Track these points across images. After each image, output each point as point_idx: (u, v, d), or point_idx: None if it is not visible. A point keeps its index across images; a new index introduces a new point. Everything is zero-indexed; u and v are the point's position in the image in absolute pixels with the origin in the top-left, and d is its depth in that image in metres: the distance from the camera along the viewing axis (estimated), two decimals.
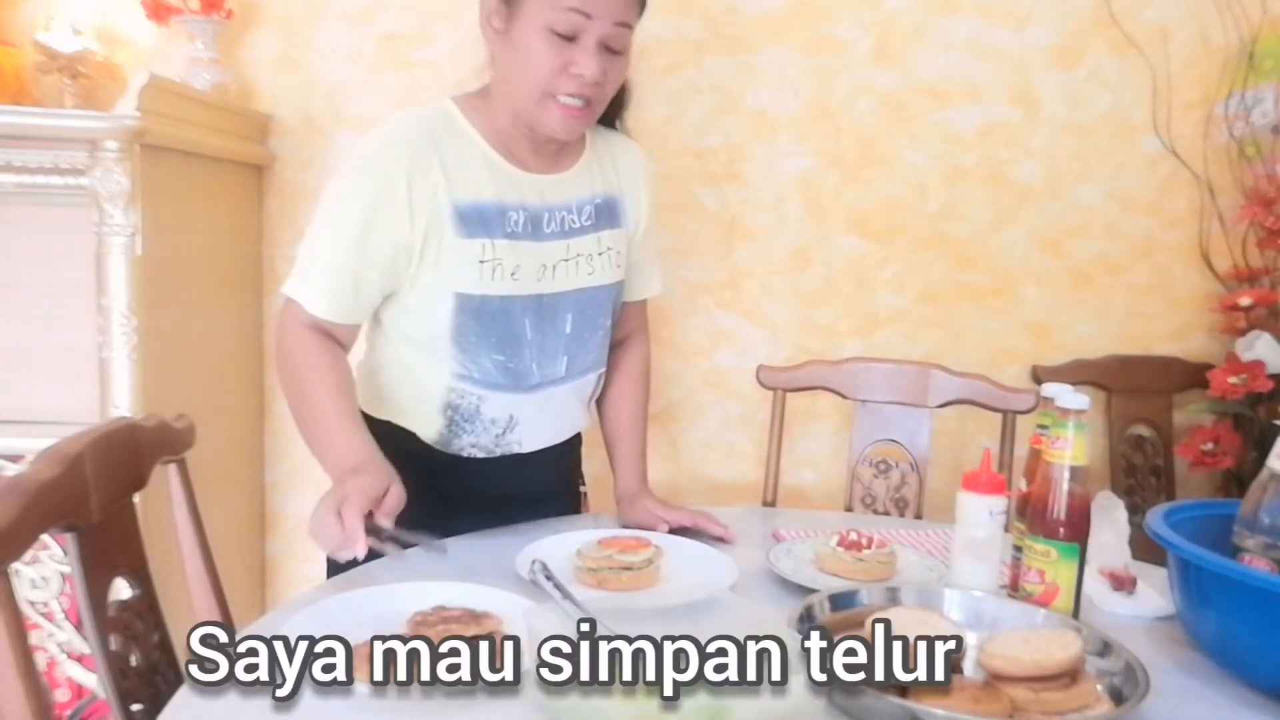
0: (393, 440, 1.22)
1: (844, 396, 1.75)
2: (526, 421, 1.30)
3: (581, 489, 1.54)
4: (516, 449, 1.31)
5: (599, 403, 1.45)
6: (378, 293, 1.22)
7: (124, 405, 1.57)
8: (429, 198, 1.17)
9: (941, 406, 1.72)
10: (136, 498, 1.07)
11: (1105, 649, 0.91)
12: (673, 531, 1.30)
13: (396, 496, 1.06)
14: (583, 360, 1.32)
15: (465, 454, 1.30)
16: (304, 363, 1.18)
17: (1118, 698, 0.86)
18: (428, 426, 1.28)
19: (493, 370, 1.25)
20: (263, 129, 2.06)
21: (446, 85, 2.06)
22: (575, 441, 1.45)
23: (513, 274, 1.22)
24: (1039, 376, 2.11)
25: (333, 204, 1.19)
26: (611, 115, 1.35)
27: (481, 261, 1.20)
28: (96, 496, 0.95)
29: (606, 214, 1.32)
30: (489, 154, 1.22)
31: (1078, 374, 2.10)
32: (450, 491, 1.26)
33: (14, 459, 1.56)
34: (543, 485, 1.39)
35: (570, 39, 1.12)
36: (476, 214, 1.19)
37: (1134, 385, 2.14)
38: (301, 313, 1.19)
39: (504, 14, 1.16)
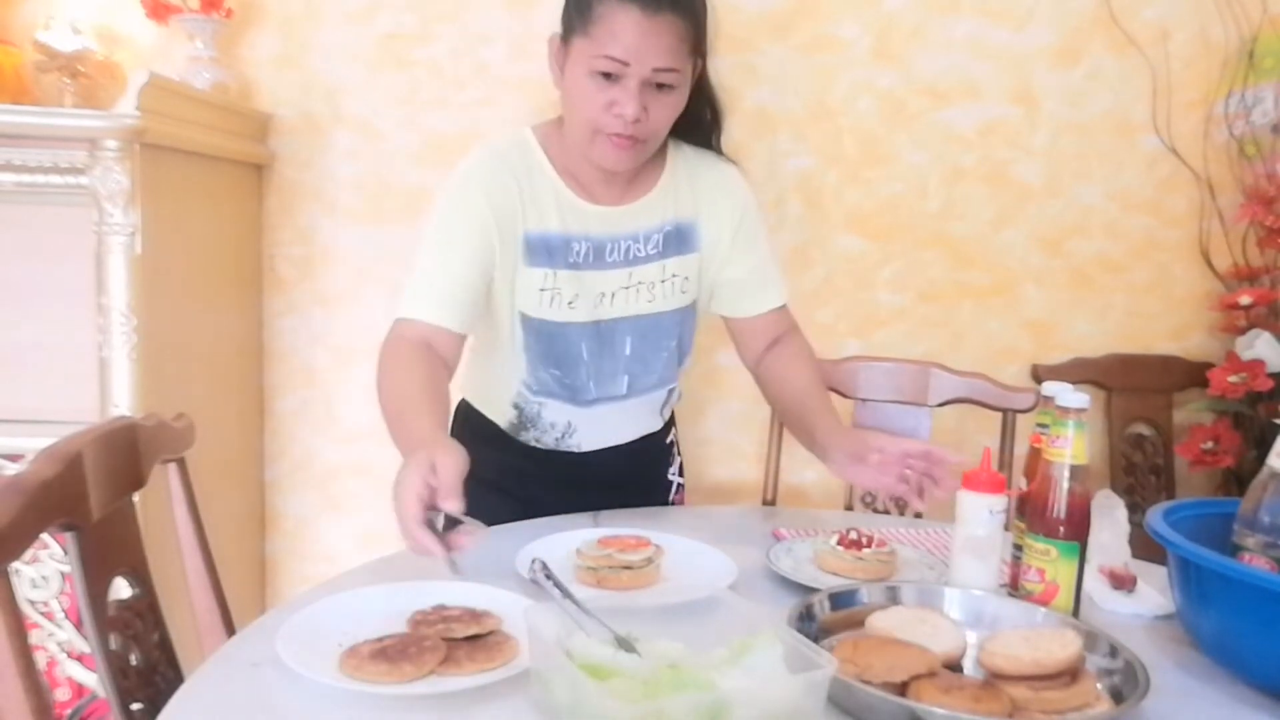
0: (475, 419, 1.42)
1: (844, 395, 1.74)
2: (584, 429, 1.39)
3: (679, 480, 1.56)
4: (576, 450, 1.41)
5: (771, 397, 1.45)
6: (478, 296, 1.26)
7: (124, 405, 1.58)
8: (508, 223, 1.26)
9: (941, 405, 1.72)
10: (136, 497, 1.07)
11: (1105, 648, 0.91)
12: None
13: (452, 468, 0.94)
14: (646, 379, 1.39)
15: (531, 444, 1.41)
16: (401, 368, 1.18)
17: (1118, 697, 0.86)
18: (500, 416, 1.41)
19: (550, 382, 1.34)
20: (263, 128, 2.06)
21: (446, 85, 2.08)
22: (655, 438, 1.49)
23: (569, 302, 1.30)
24: (1039, 375, 2.11)
25: (428, 235, 1.26)
26: (705, 136, 1.37)
27: (542, 289, 1.28)
28: (96, 496, 0.95)
29: (676, 241, 1.35)
30: (558, 185, 1.29)
31: (1078, 373, 2.10)
32: (525, 471, 1.40)
33: (14, 459, 1.56)
34: (611, 474, 1.43)
35: (613, 80, 1.17)
36: (543, 244, 1.28)
37: (1134, 384, 2.15)
38: (406, 328, 1.21)
39: (562, 55, 1.23)
